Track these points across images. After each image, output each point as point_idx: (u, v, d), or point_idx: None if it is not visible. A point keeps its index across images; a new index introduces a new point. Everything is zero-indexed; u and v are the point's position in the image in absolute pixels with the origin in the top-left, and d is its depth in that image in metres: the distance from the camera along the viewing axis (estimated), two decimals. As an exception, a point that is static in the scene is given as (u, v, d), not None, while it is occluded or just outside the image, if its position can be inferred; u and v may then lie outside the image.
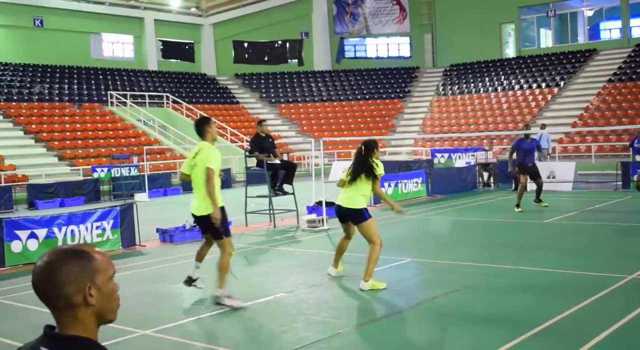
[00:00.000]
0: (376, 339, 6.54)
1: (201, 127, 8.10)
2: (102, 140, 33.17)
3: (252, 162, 15.71)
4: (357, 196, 8.55)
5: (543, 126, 27.49)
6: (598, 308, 7.01)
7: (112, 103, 37.61)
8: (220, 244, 7.91)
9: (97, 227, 12.08)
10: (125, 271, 10.31)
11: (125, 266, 10.76)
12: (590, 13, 45.18)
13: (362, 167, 8.60)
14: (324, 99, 46.05)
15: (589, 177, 22.75)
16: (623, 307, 6.88)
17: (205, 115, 8.80)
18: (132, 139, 34.11)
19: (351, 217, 8.63)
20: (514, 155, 16.67)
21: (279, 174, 15.35)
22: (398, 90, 46.35)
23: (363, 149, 8.73)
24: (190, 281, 8.36)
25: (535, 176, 16.67)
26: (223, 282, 7.79)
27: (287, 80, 47.89)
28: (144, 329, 6.97)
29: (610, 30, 44.64)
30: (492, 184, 23.33)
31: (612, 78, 37.96)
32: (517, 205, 16.14)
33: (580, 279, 8.52)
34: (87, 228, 11.96)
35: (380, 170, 8.66)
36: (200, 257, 8.34)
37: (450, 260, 10.15)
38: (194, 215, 8.10)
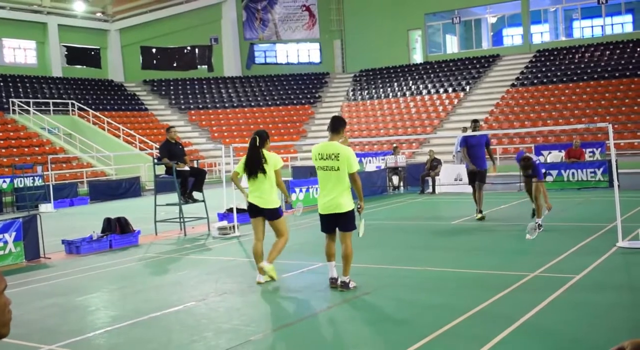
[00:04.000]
0: (287, 345, 6.55)
1: (340, 125, 8.62)
2: (3, 150, 32.02)
3: (162, 169, 15.50)
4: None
5: (464, 129, 27.91)
6: (502, 306, 7.22)
7: (14, 111, 36.37)
8: (347, 236, 8.28)
9: (-1, 240, 11.65)
10: (30, 284, 9.99)
11: (30, 279, 10.43)
12: (493, 20, 46.71)
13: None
14: (235, 105, 45.86)
15: (494, 178, 23.41)
16: (525, 304, 7.11)
17: (338, 115, 9.27)
18: (36, 148, 33.06)
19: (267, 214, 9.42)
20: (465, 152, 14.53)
21: (188, 182, 15.20)
22: (309, 96, 46.64)
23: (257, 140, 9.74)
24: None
25: (482, 182, 14.78)
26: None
27: (196, 87, 47.44)
28: (49, 343, 6.76)
29: (513, 36, 46.30)
30: (401, 188, 23.78)
31: (515, 82, 39.35)
32: (480, 211, 14.70)
33: (485, 279, 8.76)
34: (-13, 241, 11.52)
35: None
36: (331, 255, 8.54)
37: (361, 263, 10.25)
38: (327, 215, 8.31)
